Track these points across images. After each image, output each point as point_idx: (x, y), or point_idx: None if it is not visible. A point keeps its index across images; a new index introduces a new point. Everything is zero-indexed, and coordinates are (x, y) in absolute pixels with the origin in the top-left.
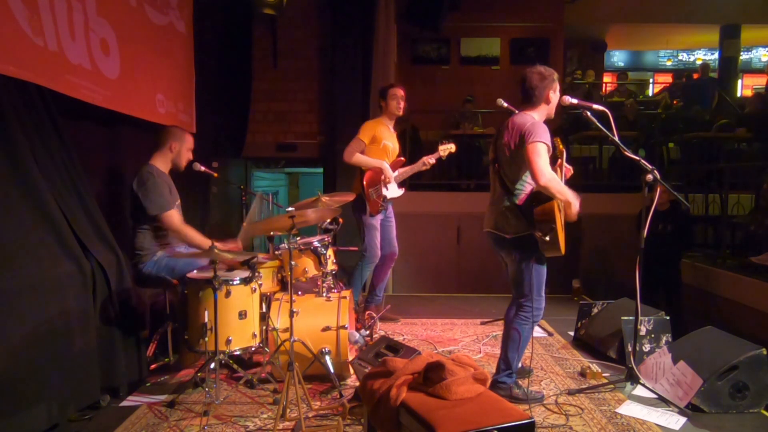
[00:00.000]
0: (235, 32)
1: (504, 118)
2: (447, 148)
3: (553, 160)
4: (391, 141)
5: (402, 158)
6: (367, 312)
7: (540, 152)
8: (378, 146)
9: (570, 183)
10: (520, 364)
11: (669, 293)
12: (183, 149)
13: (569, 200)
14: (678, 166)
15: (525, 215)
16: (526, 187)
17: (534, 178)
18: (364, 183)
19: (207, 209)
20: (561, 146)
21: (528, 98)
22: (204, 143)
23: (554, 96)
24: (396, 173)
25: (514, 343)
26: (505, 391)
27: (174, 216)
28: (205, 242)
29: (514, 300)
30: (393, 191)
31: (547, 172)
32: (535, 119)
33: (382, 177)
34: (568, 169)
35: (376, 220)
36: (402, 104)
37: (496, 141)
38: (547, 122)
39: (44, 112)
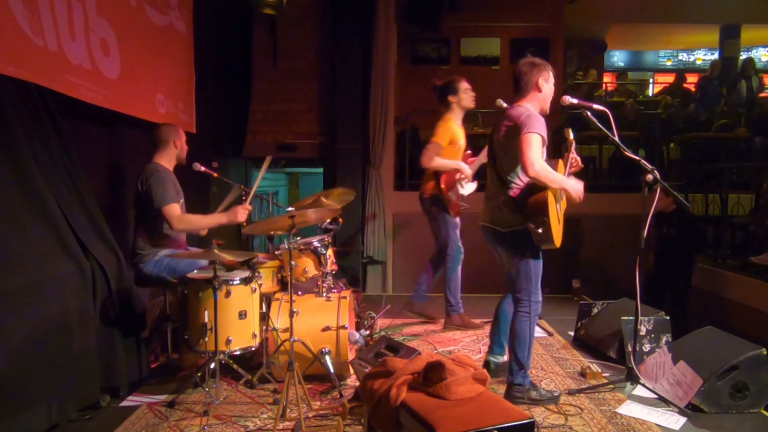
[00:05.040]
0: (235, 32)
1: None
2: None
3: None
4: (463, 140)
5: (469, 152)
6: (367, 312)
7: (532, 143)
8: (454, 147)
9: None
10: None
11: (675, 297)
12: (183, 143)
13: (565, 186)
14: (678, 166)
15: (520, 208)
16: (520, 179)
17: (524, 168)
18: (443, 186)
19: (207, 209)
20: (571, 137)
21: (518, 88)
22: (204, 143)
23: (545, 85)
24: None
25: (519, 340)
26: (522, 393)
27: (175, 209)
28: (215, 218)
29: (511, 295)
30: (468, 187)
31: (536, 162)
32: (530, 110)
33: (458, 176)
34: (577, 161)
35: (455, 217)
36: (473, 95)
37: (492, 136)
38: (547, 122)
39: (44, 112)
